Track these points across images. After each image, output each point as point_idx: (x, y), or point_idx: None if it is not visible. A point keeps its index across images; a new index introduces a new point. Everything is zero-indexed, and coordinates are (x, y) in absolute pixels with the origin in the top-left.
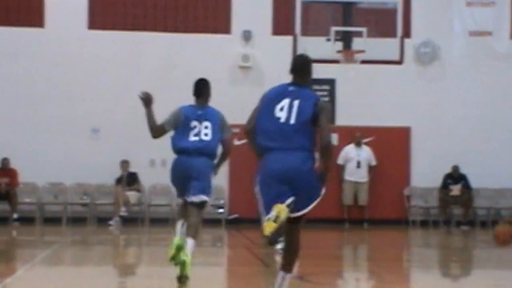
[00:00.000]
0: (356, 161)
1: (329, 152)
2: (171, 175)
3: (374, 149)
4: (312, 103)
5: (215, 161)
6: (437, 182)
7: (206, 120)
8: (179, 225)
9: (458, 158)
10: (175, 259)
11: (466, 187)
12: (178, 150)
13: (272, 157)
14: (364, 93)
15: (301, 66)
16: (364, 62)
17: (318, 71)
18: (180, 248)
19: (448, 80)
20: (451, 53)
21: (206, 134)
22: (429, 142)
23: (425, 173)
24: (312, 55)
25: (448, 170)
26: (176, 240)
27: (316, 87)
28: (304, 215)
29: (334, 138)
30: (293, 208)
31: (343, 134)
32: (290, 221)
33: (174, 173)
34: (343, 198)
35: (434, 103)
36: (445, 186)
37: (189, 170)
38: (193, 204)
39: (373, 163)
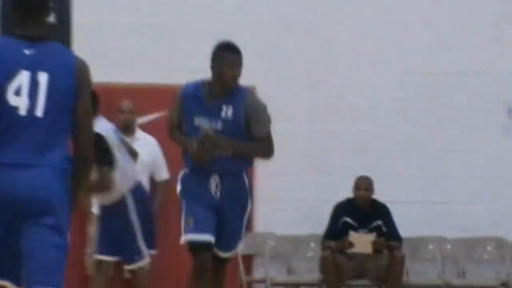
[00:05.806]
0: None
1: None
2: None
3: (164, 141)
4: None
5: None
6: (318, 224)
7: None
8: None
9: (369, 167)
10: None
11: (389, 235)
12: None
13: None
14: None
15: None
16: None
17: None
18: None
19: None
20: None
21: None
22: (300, 126)
23: (288, 202)
24: None
25: (345, 191)
26: None
27: None
28: None
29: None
30: None
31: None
32: None
33: None
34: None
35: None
36: (335, 231)
37: None
38: None
39: (163, 175)
